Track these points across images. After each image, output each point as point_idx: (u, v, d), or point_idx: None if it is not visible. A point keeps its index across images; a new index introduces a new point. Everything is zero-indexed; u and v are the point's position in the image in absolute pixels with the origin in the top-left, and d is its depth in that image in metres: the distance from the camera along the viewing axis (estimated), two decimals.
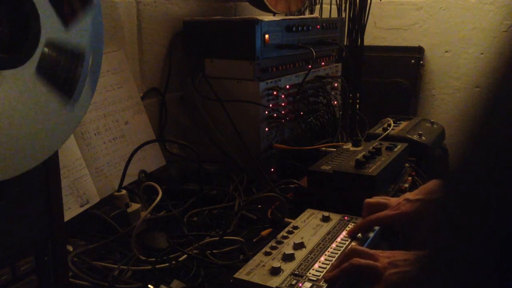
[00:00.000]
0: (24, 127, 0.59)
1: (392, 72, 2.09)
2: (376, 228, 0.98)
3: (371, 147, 1.26)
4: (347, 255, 0.84)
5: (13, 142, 0.58)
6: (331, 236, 0.96)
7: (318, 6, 2.01)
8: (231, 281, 0.82)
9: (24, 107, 0.59)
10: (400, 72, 2.09)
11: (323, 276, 0.81)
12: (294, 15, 1.84)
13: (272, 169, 1.43)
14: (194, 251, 0.97)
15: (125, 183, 1.15)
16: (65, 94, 0.64)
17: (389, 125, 1.60)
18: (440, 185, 0.87)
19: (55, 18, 0.61)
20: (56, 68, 0.62)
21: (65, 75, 0.63)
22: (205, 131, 1.44)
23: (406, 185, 1.24)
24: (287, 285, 0.79)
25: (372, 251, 0.84)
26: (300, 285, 0.79)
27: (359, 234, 0.95)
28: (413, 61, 2.10)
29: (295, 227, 0.99)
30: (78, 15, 0.64)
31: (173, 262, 0.94)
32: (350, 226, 1.00)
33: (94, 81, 0.68)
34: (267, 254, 0.89)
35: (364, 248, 0.87)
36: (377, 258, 0.81)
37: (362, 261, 0.81)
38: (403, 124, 1.65)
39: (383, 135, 1.53)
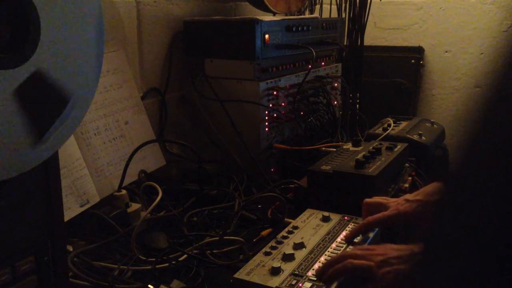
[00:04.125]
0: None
1: (392, 72, 2.08)
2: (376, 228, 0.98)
3: (371, 147, 1.26)
4: (340, 257, 0.84)
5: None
6: (331, 236, 0.96)
7: (318, 6, 2.01)
8: (231, 281, 0.82)
9: None
10: (400, 72, 2.08)
11: (315, 270, 0.82)
12: (294, 15, 1.84)
13: (272, 169, 1.43)
14: (194, 251, 0.97)
15: (125, 183, 1.15)
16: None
17: (389, 125, 1.60)
18: (440, 187, 0.88)
19: None
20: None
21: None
22: (205, 131, 1.44)
23: (406, 185, 1.24)
24: (287, 285, 0.79)
25: (364, 252, 0.84)
26: (300, 285, 0.79)
27: (358, 238, 0.95)
28: (413, 61, 2.10)
29: (295, 227, 0.99)
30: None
31: (173, 262, 0.94)
32: (350, 226, 1.00)
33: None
34: (267, 254, 0.89)
35: (356, 250, 0.86)
36: (370, 258, 0.82)
37: (356, 262, 0.81)
38: (403, 124, 1.65)
39: (383, 135, 1.53)
